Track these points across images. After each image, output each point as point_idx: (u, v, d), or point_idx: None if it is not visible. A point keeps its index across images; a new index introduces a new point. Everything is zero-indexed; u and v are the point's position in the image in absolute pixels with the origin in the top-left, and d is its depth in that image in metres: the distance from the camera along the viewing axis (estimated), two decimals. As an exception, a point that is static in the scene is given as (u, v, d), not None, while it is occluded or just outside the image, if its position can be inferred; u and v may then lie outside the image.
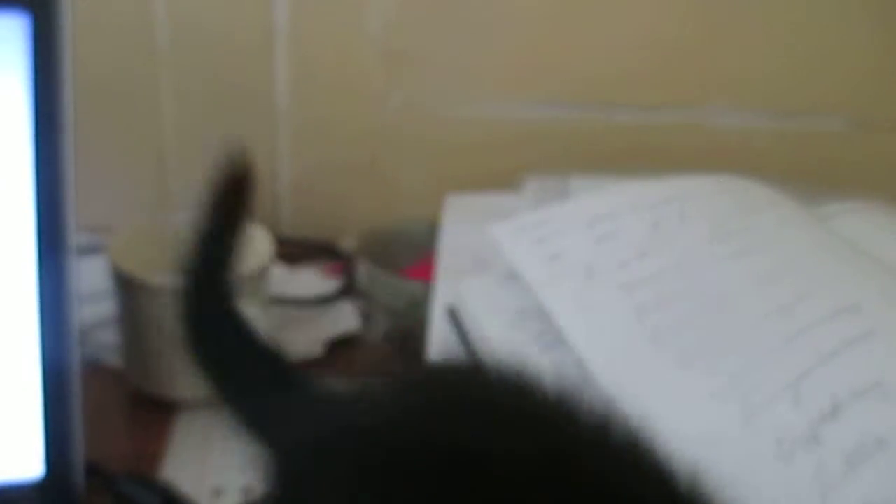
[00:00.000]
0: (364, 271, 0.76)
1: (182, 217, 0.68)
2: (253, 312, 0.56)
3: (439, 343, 0.64)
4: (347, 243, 0.81)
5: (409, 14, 0.78)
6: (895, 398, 0.47)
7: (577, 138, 0.81)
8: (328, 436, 0.39)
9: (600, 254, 0.59)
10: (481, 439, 0.34)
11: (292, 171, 0.82)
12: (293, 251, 0.78)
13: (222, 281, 0.49)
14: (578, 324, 0.56)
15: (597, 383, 0.53)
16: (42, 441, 0.52)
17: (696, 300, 0.55)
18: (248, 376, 0.46)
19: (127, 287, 0.62)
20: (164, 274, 0.61)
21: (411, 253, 0.77)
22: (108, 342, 0.66)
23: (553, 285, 0.59)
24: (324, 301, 0.73)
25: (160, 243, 0.66)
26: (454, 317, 0.64)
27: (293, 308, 0.71)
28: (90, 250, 0.65)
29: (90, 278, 0.58)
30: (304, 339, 0.69)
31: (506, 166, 0.79)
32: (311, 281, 0.75)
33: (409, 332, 0.69)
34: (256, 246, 0.63)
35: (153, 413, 0.62)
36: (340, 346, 0.69)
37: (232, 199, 0.50)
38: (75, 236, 0.51)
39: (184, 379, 0.61)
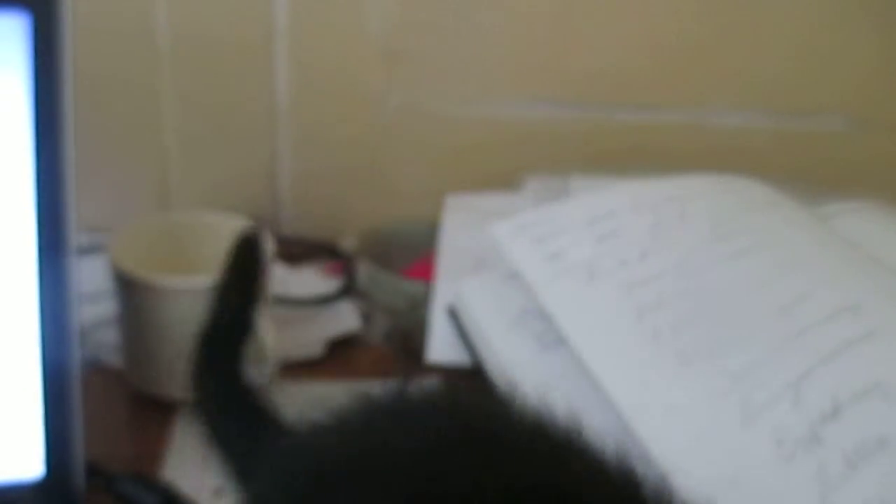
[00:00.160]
0: (364, 271, 0.76)
1: (182, 217, 0.69)
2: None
3: (439, 343, 0.64)
4: (347, 243, 0.81)
5: (409, 14, 0.78)
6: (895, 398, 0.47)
7: (577, 138, 0.81)
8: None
9: (601, 253, 0.60)
10: (467, 484, 0.34)
11: (292, 171, 0.82)
12: (293, 251, 0.78)
13: (235, 348, 0.51)
14: (579, 323, 0.56)
15: (597, 383, 0.53)
16: (42, 441, 0.52)
17: (697, 300, 0.55)
18: (242, 442, 0.47)
19: (127, 287, 0.62)
20: (164, 274, 0.61)
21: (411, 253, 0.77)
22: (108, 342, 0.66)
23: (553, 285, 0.59)
24: (324, 301, 0.72)
25: (160, 243, 0.66)
26: (454, 317, 0.64)
27: (293, 308, 0.71)
28: (90, 250, 0.65)
29: (90, 278, 0.58)
30: (304, 339, 0.69)
31: (506, 166, 0.79)
32: (311, 281, 0.75)
33: (409, 332, 0.69)
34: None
35: (153, 413, 0.62)
36: (340, 346, 0.69)
37: (244, 266, 0.53)
38: (75, 236, 0.51)
39: (184, 379, 0.61)
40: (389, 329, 0.71)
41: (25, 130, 0.50)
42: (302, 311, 0.71)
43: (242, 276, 0.53)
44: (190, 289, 0.59)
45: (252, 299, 0.52)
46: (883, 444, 0.45)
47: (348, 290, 0.74)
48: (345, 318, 0.71)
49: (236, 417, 0.48)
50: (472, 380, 0.60)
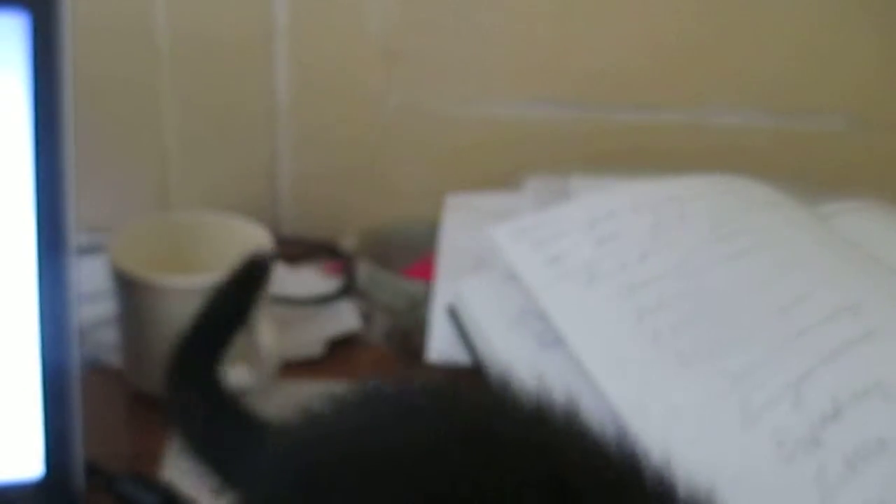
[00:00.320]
0: (364, 271, 0.76)
1: (182, 217, 0.69)
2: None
3: (439, 343, 0.64)
4: (347, 243, 0.81)
5: (409, 14, 0.78)
6: (896, 399, 0.47)
7: (577, 138, 0.81)
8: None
9: (601, 256, 0.59)
10: (463, 484, 0.34)
11: (292, 171, 0.82)
12: (293, 251, 0.78)
13: (215, 353, 0.52)
14: (579, 325, 0.56)
15: (597, 384, 0.53)
16: (42, 441, 0.52)
17: (697, 300, 0.55)
18: (222, 443, 0.47)
19: (127, 287, 0.62)
20: (164, 274, 0.61)
21: (411, 253, 0.77)
22: (108, 342, 0.66)
23: (553, 288, 0.59)
24: (324, 301, 0.72)
25: (160, 243, 0.66)
26: (454, 317, 0.64)
27: (293, 308, 0.71)
28: (90, 250, 0.65)
29: (90, 278, 0.58)
30: (304, 339, 0.68)
31: (506, 166, 0.79)
32: (311, 281, 0.75)
33: (409, 332, 0.69)
34: (256, 246, 0.63)
35: (153, 413, 0.62)
36: (340, 346, 0.69)
37: (248, 280, 0.54)
38: (75, 236, 0.51)
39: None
40: (389, 329, 0.71)
41: (25, 130, 0.50)
42: (302, 310, 0.71)
43: (239, 292, 0.53)
44: (190, 289, 0.59)
45: (240, 320, 0.53)
46: (883, 444, 0.45)
47: (348, 289, 0.74)
48: (345, 318, 0.71)
49: (213, 422, 0.48)
50: (472, 379, 0.60)
